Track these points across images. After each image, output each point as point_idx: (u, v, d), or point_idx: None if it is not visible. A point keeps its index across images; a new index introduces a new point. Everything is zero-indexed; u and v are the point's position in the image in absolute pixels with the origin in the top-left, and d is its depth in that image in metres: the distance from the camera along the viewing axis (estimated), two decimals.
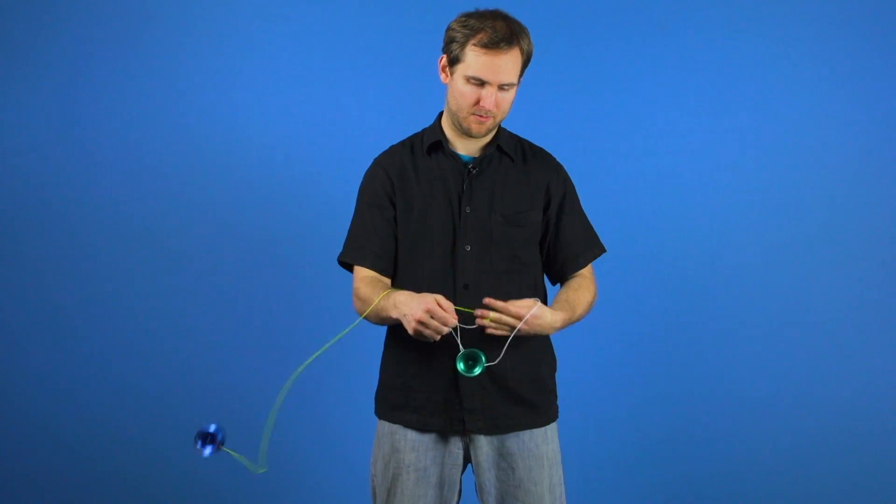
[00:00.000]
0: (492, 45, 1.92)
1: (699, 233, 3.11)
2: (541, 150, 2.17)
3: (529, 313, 1.90)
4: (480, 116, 1.99)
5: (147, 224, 3.12)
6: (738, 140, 3.10)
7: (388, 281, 2.08)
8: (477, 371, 1.91)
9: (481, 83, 1.95)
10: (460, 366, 1.91)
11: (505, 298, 1.93)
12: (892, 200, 3.08)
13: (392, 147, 2.16)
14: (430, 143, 2.09)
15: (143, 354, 3.13)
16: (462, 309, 1.92)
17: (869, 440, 3.09)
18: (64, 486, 3.13)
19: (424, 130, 2.14)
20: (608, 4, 3.12)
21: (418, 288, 1.97)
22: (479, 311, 1.91)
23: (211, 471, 3.14)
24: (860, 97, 3.08)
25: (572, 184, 2.16)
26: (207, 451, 1.89)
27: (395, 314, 1.92)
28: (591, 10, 3.12)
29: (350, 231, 2.14)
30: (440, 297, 1.87)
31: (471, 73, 1.95)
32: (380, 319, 2.02)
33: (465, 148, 2.08)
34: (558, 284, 2.16)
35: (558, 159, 2.16)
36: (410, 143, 2.13)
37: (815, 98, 3.09)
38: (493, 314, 1.90)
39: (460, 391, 2.04)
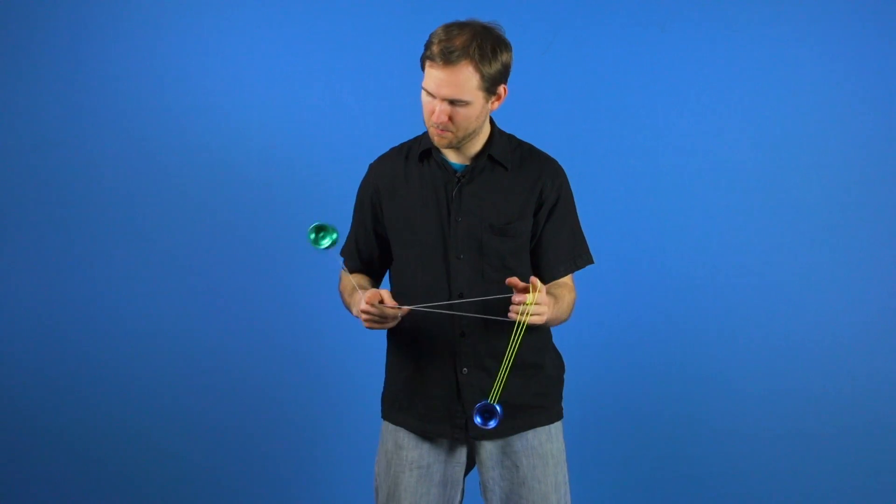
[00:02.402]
0: (435, 59, 1.88)
1: (699, 232, 3.11)
2: (541, 154, 2.10)
3: (539, 292, 1.84)
4: (438, 129, 1.94)
5: (147, 223, 3.12)
6: (738, 140, 3.10)
7: (366, 279, 2.16)
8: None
9: (433, 96, 1.92)
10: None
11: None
12: (892, 200, 3.08)
13: (389, 151, 2.14)
14: (422, 150, 2.06)
15: (143, 353, 3.14)
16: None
17: (869, 440, 3.08)
18: (64, 486, 3.14)
19: (422, 135, 2.10)
20: (608, 4, 3.12)
21: (415, 296, 1.99)
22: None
23: (212, 471, 3.15)
24: (861, 97, 3.07)
25: (569, 191, 2.09)
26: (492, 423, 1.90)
27: (354, 312, 2.02)
28: (590, 10, 3.11)
29: (350, 229, 2.20)
30: (381, 293, 1.89)
31: (424, 84, 1.93)
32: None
33: (457, 156, 2.04)
34: None
35: (559, 160, 2.10)
36: (408, 149, 2.11)
37: (815, 98, 3.08)
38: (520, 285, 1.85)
39: (463, 401, 2.04)
